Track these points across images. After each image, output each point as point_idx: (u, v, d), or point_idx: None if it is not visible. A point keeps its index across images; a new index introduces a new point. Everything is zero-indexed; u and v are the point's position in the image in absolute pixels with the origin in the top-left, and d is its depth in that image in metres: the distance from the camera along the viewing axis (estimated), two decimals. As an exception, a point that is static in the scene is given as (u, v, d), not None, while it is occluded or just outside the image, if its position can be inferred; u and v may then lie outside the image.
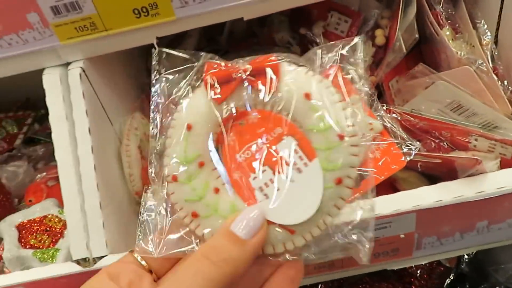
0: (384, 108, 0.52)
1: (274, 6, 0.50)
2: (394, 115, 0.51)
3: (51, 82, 0.50)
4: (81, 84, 0.50)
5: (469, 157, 0.44)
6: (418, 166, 0.51)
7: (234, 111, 0.33)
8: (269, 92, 0.32)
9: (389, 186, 0.55)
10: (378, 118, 0.52)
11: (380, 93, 0.60)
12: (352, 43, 0.37)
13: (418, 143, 0.49)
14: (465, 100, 0.47)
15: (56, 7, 0.47)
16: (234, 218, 0.29)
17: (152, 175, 0.35)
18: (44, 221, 0.53)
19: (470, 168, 0.45)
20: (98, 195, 0.47)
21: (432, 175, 0.53)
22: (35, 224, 0.52)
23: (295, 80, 0.32)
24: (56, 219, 0.53)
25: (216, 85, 0.33)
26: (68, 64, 0.52)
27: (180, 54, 0.39)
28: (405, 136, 0.51)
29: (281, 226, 0.30)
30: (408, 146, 0.49)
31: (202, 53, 0.37)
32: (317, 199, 0.30)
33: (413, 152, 0.48)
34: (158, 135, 0.35)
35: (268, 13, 0.51)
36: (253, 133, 0.33)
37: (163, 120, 0.35)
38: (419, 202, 0.45)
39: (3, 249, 0.50)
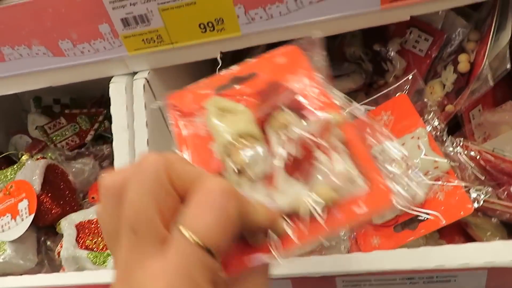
0: (461, 143, 0.47)
1: (344, 26, 0.47)
2: (472, 152, 0.46)
3: (116, 91, 0.52)
4: (144, 95, 0.50)
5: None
6: (495, 213, 0.45)
7: None
8: None
9: (459, 230, 0.49)
10: (451, 153, 0.47)
11: (457, 124, 0.54)
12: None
13: (489, 188, 0.44)
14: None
15: (126, 19, 0.48)
16: None
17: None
18: (101, 223, 0.55)
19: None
20: (150, 208, 0.47)
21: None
22: (92, 225, 0.54)
23: None
24: (112, 223, 0.55)
25: None
26: (135, 73, 0.53)
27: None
28: (482, 178, 0.46)
29: None
30: (478, 191, 0.44)
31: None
32: None
33: (481, 199, 0.43)
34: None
35: (338, 33, 0.48)
36: None
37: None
38: (492, 259, 0.39)
39: (62, 246, 0.53)
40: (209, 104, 0.32)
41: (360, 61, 0.66)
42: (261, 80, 0.34)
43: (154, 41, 0.49)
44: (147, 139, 0.49)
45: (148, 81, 0.51)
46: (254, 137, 0.29)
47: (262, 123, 0.30)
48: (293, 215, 0.27)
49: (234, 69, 0.36)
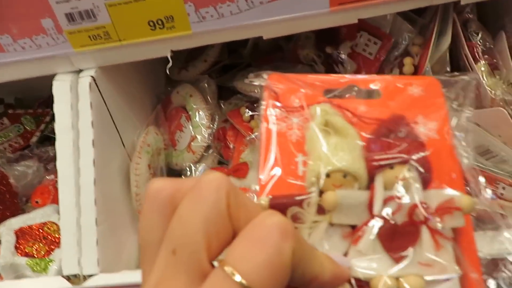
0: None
1: (295, 27, 0.48)
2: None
3: (61, 89, 0.49)
4: (90, 94, 0.49)
5: (493, 211, 0.40)
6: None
7: None
8: None
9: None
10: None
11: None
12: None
13: None
14: (495, 146, 0.43)
15: (70, 15, 0.46)
16: None
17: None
18: (43, 228, 0.52)
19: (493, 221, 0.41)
20: (95, 211, 0.45)
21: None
22: (34, 231, 0.52)
23: None
24: (55, 227, 0.52)
25: None
26: (80, 71, 0.51)
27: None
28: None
29: None
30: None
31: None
32: None
33: None
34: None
35: (289, 33, 0.49)
36: None
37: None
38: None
39: (-1, 253, 0.50)
40: (317, 112, 0.27)
41: (313, 63, 0.67)
42: (385, 105, 0.28)
43: (101, 38, 0.47)
44: (93, 140, 0.47)
45: (94, 80, 0.50)
46: (357, 180, 0.25)
47: (373, 166, 0.25)
48: (362, 284, 0.23)
49: (354, 76, 0.31)
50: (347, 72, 0.64)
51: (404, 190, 0.24)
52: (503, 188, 0.43)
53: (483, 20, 0.54)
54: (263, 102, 0.29)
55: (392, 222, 0.23)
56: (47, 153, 0.67)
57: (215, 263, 0.20)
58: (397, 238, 0.23)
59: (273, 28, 0.47)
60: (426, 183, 0.25)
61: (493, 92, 0.44)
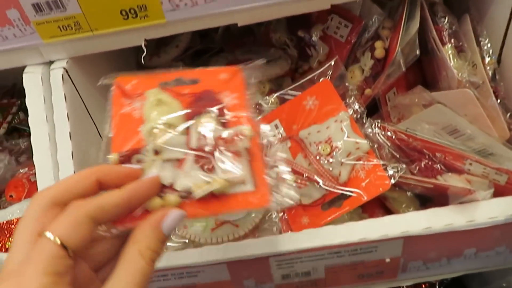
0: (379, 124, 0.50)
1: (269, 13, 0.48)
2: (388, 133, 0.50)
3: (32, 81, 0.48)
4: (63, 86, 0.48)
5: (462, 187, 0.43)
6: (409, 187, 0.49)
7: None
8: None
9: (379, 204, 0.53)
10: (370, 134, 0.50)
11: (375, 106, 0.58)
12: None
13: (404, 165, 0.48)
14: (462, 125, 0.45)
15: (38, 5, 0.44)
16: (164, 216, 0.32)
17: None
18: (22, 223, 0.51)
19: (462, 196, 0.44)
20: (77, 204, 0.45)
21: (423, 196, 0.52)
22: (13, 226, 0.51)
23: None
24: (35, 222, 0.52)
25: None
26: (51, 62, 0.49)
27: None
28: (397, 156, 0.50)
29: None
30: (394, 168, 0.48)
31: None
32: None
33: (397, 175, 0.47)
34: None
35: (264, 20, 0.49)
36: None
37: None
38: (407, 228, 0.44)
39: (-23, 251, 0.49)
40: (150, 93, 0.38)
41: (286, 46, 0.68)
42: (202, 87, 0.39)
43: (72, 28, 0.46)
44: (70, 133, 0.47)
45: (67, 71, 0.48)
46: (176, 127, 0.35)
47: (189, 117, 0.36)
48: (188, 195, 0.33)
49: (182, 71, 0.40)
50: (318, 55, 0.65)
51: (209, 129, 0.35)
52: (470, 164, 0.46)
53: (447, 3, 0.56)
54: (110, 100, 0.38)
55: (203, 151, 0.34)
56: (18, 145, 0.65)
57: None
58: (207, 160, 0.34)
59: (248, 14, 0.47)
60: (225, 124, 0.36)
61: (459, 74, 0.47)
